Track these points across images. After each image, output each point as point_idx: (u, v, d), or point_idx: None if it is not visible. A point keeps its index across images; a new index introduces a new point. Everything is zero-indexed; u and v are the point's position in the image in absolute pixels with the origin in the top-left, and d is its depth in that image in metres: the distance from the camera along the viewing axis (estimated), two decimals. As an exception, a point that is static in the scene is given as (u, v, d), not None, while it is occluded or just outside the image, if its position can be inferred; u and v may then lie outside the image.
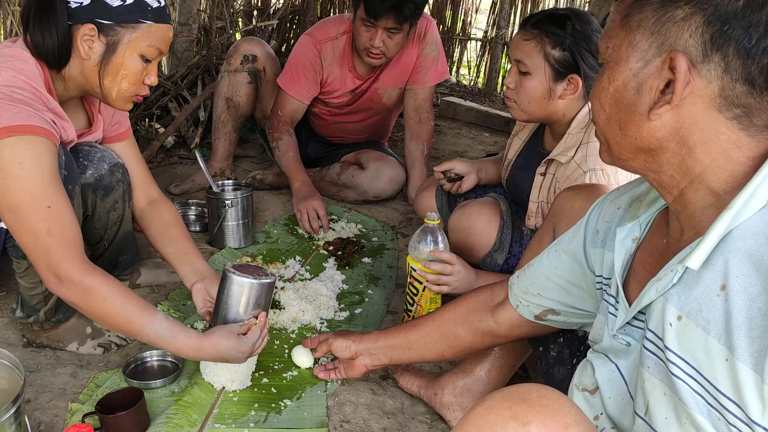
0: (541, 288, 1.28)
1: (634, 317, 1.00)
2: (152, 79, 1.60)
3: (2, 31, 2.88)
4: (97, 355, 1.77)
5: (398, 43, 2.61)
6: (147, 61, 1.57)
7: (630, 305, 1.01)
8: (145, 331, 1.46)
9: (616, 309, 1.06)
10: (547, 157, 1.87)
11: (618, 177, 1.72)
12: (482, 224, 1.99)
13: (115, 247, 1.96)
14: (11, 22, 2.89)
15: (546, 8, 5.50)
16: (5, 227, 1.48)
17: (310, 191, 2.65)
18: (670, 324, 0.85)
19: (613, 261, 1.07)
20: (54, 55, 1.49)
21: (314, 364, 1.78)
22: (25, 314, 1.72)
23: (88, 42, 1.50)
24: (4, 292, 1.99)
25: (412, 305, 1.95)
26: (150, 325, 1.46)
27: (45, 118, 1.42)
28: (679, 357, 0.84)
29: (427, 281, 1.89)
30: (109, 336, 1.81)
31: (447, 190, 2.30)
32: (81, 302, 1.44)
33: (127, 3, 1.50)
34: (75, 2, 1.47)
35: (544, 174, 1.90)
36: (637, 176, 1.09)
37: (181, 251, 1.80)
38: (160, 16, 1.56)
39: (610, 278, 1.11)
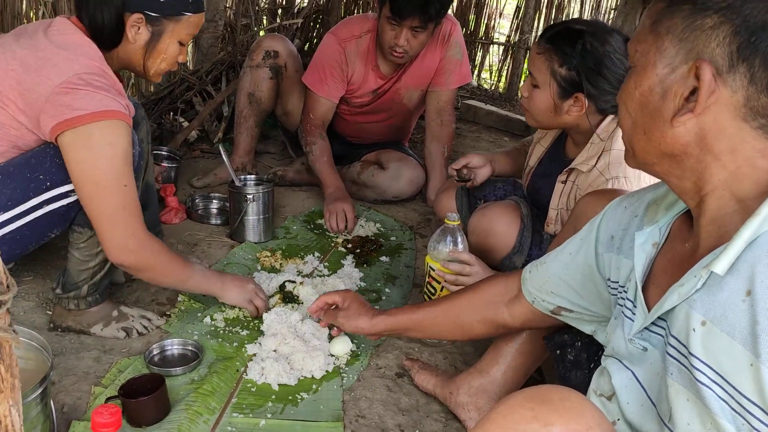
0: (554, 287, 1.30)
1: (652, 323, 1.01)
2: (183, 57, 1.79)
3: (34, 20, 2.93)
4: (120, 341, 1.80)
5: (422, 42, 2.63)
6: (182, 44, 1.75)
7: (649, 310, 1.02)
8: (191, 282, 1.79)
9: (634, 313, 1.06)
10: (570, 166, 1.88)
11: (642, 185, 1.72)
12: (502, 227, 2.00)
13: (141, 198, 1.99)
14: (43, 13, 2.94)
15: (571, 14, 5.49)
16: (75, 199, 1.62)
17: (343, 195, 2.67)
18: (694, 330, 0.85)
19: (632, 267, 1.08)
20: (109, 37, 1.65)
21: (349, 351, 1.82)
22: (64, 291, 1.77)
23: (135, 29, 1.65)
24: (30, 277, 2.03)
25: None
26: (192, 275, 1.78)
27: (121, 102, 1.56)
28: (704, 363, 0.84)
29: (445, 281, 1.90)
30: (132, 321, 1.85)
31: (469, 189, 2.32)
32: (149, 266, 1.67)
33: None
34: None
35: (564, 182, 1.91)
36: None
37: None
38: (198, 6, 1.73)
39: (625, 286, 1.11)
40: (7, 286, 0.88)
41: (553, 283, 1.30)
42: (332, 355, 1.81)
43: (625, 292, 1.11)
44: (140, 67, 1.74)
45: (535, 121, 1.91)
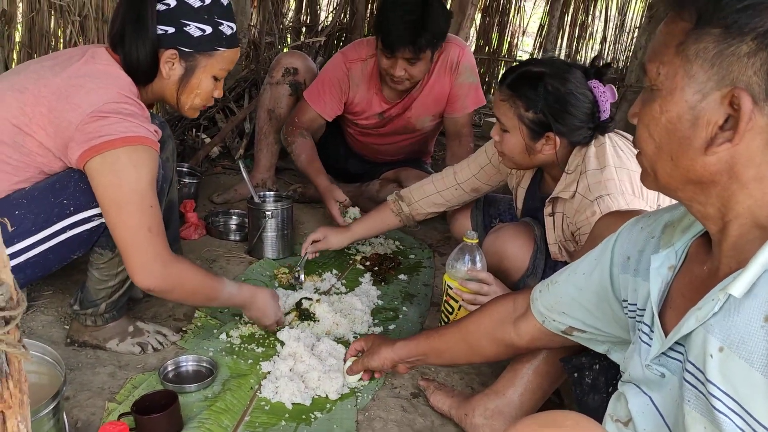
0: (566, 307, 1.27)
1: (670, 348, 0.98)
2: (218, 93, 1.80)
3: (62, 41, 2.98)
4: (135, 357, 1.81)
5: (422, 69, 2.60)
6: (217, 79, 1.76)
7: (666, 335, 0.99)
8: (222, 296, 1.75)
9: (651, 338, 1.03)
10: (551, 196, 1.87)
11: (628, 198, 1.70)
12: (515, 249, 1.98)
13: (163, 215, 2.00)
14: (71, 31, 2.99)
15: (594, 33, 5.47)
16: (104, 222, 1.61)
17: (330, 187, 2.65)
18: (711, 356, 0.83)
19: (649, 290, 1.05)
20: (144, 73, 1.67)
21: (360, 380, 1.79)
22: (82, 307, 1.78)
23: (169, 65, 1.68)
24: (50, 291, 2.05)
25: (447, 323, 1.94)
26: (223, 290, 1.74)
27: (149, 129, 1.57)
28: (721, 391, 0.81)
29: (463, 300, 1.88)
30: (148, 336, 1.85)
31: (484, 207, 2.31)
32: (175, 287, 1.62)
33: (206, 33, 1.68)
34: (161, 29, 1.65)
35: (552, 214, 1.90)
36: (672, 202, 1.07)
37: None
38: (232, 42, 1.74)
39: (644, 308, 1.09)
40: (17, 302, 0.88)
41: (566, 304, 1.27)
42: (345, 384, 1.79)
43: (642, 315, 1.08)
44: (174, 102, 1.77)
45: (512, 163, 1.91)
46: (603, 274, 1.19)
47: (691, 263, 1.01)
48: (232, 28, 1.73)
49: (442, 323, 1.96)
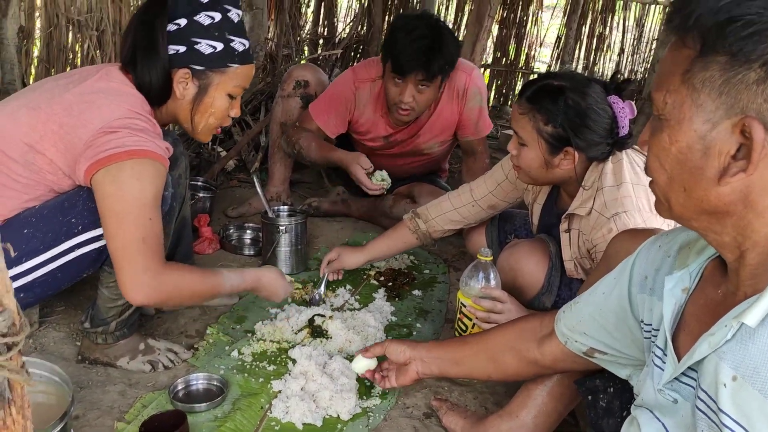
0: (587, 328, 1.25)
1: (683, 373, 0.95)
2: (235, 112, 1.79)
3: (79, 55, 3.01)
4: (145, 375, 1.80)
5: (428, 98, 2.56)
6: (232, 98, 1.74)
7: (679, 359, 0.96)
8: (224, 290, 1.72)
9: (664, 362, 1.01)
10: (567, 212, 1.84)
11: (645, 215, 1.67)
12: (530, 266, 1.94)
13: (175, 233, 2.01)
14: (88, 46, 3.02)
15: (612, 44, 5.43)
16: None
17: (353, 154, 2.63)
18: (725, 385, 0.81)
19: (662, 312, 1.03)
20: (157, 94, 1.67)
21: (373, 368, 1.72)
22: (93, 325, 1.78)
23: (182, 84, 1.68)
24: (62, 307, 2.05)
25: (460, 342, 1.91)
26: (224, 283, 1.71)
27: (160, 144, 1.57)
28: (734, 421, 0.79)
29: (477, 318, 1.85)
30: (158, 354, 1.85)
31: (499, 222, 2.28)
32: (170, 296, 1.59)
33: (217, 50, 1.67)
34: (173, 49, 1.65)
35: (568, 231, 1.87)
36: None
37: None
38: (245, 58, 1.72)
39: (658, 329, 1.06)
40: (20, 328, 0.87)
41: (586, 324, 1.25)
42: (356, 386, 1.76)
43: (656, 337, 1.06)
44: (188, 123, 1.76)
45: (528, 178, 1.88)
46: (622, 294, 1.17)
47: (706, 285, 0.99)
48: (244, 45, 1.72)
49: (456, 342, 1.92)
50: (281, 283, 1.90)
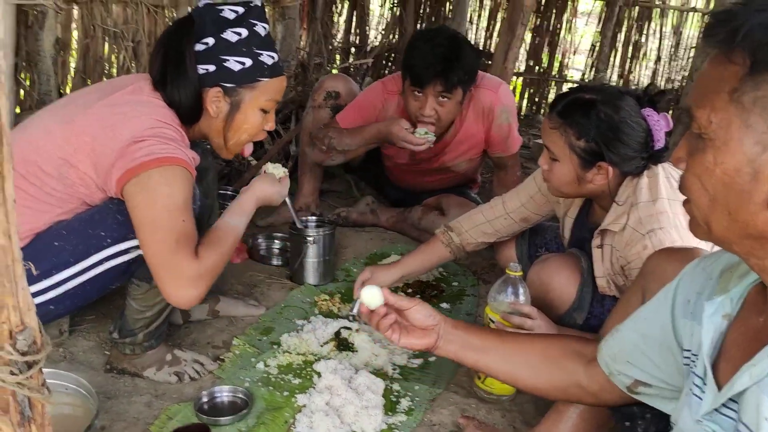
0: (630, 356, 1.18)
1: (723, 404, 0.90)
2: (270, 125, 1.79)
3: (115, 66, 3.06)
4: (172, 386, 1.80)
5: (450, 110, 2.51)
6: (266, 112, 1.75)
7: (720, 389, 0.92)
8: (237, 233, 1.71)
9: (703, 392, 0.96)
10: (600, 228, 1.79)
11: (682, 232, 1.61)
12: (561, 281, 1.90)
13: None
14: (124, 57, 3.07)
15: (648, 53, 5.32)
16: (142, 254, 1.61)
17: (389, 119, 2.57)
18: (767, 419, 0.76)
19: (701, 337, 0.98)
20: (189, 113, 1.68)
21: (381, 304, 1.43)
22: (121, 336, 1.79)
23: (216, 103, 1.69)
24: (92, 316, 2.07)
25: (488, 358, 1.88)
26: (232, 230, 1.70)
27: (187, 153, 1.59)
28: None
29: (505, 334, 1.81)
30: (185, 365, 1.85)
31: (530, 236, 2.24)
32: (212, 277, 1.59)
33: (246, 66, 1.68)
34: (202, 69, 1.66)
35: (600, 246, 1.82)
36: None
37: None
38: (275, 71, 1.73)
39: (697, 355, 1.01)
40: (41, 346, 0.87)
41: (629, 353, 1.18)
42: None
43: (695, 364, 1.01)
44: (220, 139, 1.76)
45: (560, 192, 1.84)
46: (665, 319, 1.11)
47: (748, 312, 0.94)
48: (273, 57, 1.73)
49: (484, 358, 1.88)
50: (274, 189, 1.86)
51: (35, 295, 1.62)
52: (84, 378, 1.74)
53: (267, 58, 1.71)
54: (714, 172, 0.84)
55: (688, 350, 1.05)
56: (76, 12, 2.82)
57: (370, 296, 1.40)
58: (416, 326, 1.41)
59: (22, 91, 2.64)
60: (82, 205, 1.65)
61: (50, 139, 1.60)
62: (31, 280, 1.61)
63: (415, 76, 2.43)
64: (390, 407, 1.78)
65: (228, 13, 1.69)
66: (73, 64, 2.93)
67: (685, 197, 0.93)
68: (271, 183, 1.85)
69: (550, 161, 1.80)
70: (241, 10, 1.69)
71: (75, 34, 2.88)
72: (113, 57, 3.07)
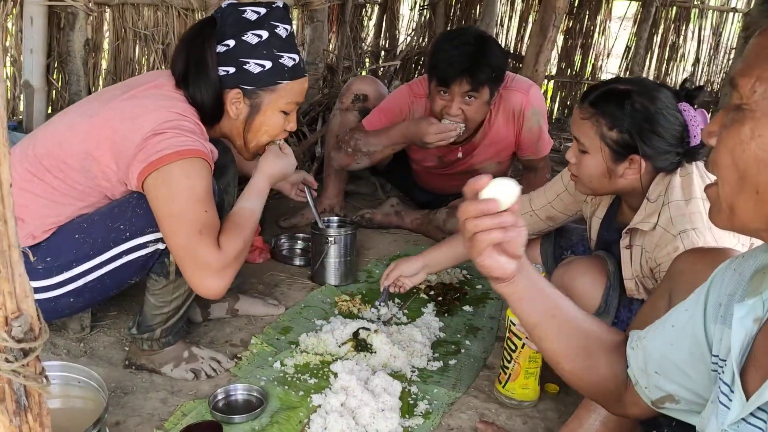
0: (658, 367, 1.09)
1: (751, 413, 0.85)
2: (292, 126, 1.79)
3: (146, 68, 3.10)
4: (188, 383, 1.80)
5: (477, 110, 2.46)
6: (287, 113, 1.74)
7: (748, 398, 0.86)
8: (255, 216, 1.71)
9: (730, 400, 0.90)
10: (628, 227, 1.72)
11: (716, 234, 1.54)
12: (586, 285, 1.84)
13: None
14: (154, 59, 3.10)
15: (686, 54, 5.20)
16: (159, 249, 1.65)
17: (415, 119, 2.54)
18: None
19: (730, 342, 0.92)
20: (210, 113, 1.69)
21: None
22: (139, 331, 1.79)
23: (235, 104, 1.70)
24: (114, 312, 2.09)
25: (509, 362, 1.83)
26: (250, 214, 1.70)
27: (206, 145, 1.60)
28: None
29: (526, 338, 1.76)
30: (202, 363, 1.85)
31: (555, 238, 2.18)
32: (237, 264, 1.61)
33: (266, 68, 1.67)
34: (223, 71, 1.66)
35: (629, 247, 1.74)
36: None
37: None
38: (295, 72, 1.72)
39: (725, 360, 0.95)
40: (39, 333, 0.86)
41: (657, 362, 1.09)
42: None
43: (723, 371, 0.95)
44: (240, 141, 1.77)
45: (587, 188, 1.77)
46: (697, 326, 1.03)
47: None
48: (294, 60, 1.72)
49: (504, 361, 1.84)
50: (282, 161, 1.81)
51: (56, 287, 1.64)
52: (102, 373, 1.75)
53: (288, 60, 1.70)
54: (749, 146, 0.79)
55: (716, 355, 0.99)
56: (108, 14, 2.86)
57: (507, 189, 0.97)
58: (508, 250, 1.09)
59: (54, 92, 2.69)
60: (104, 199, 1.67)
61: (74, 133, 1.62)
62: (52, 272, 1.63)
63: (440, 75, 2.40)
64: (407, 410, 1.75)
65: (250, 14, 1.68)
66: (104, 66, 2.98)
67: (708, 182, 0.88)
68: (276, 156, 1.81)
69: (578, 154, 1.73)
70: (263, 11, 1.69)
71: (107, 36, 2.93)
72: (143, 59, 3.11)
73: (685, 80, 1.83)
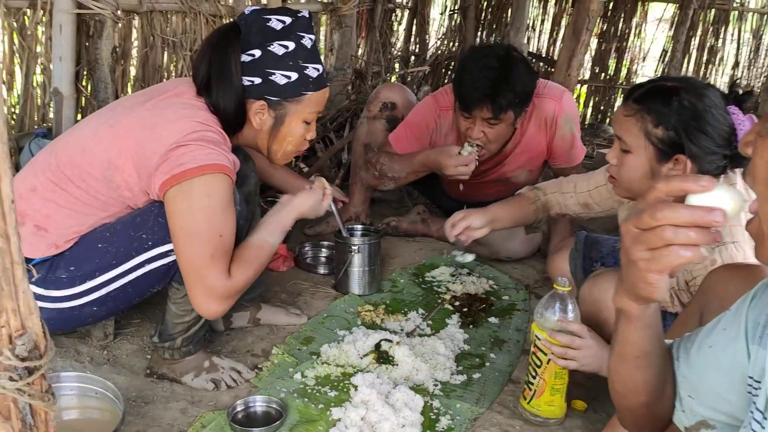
0: (693, 390, 1.02)
1: None
2: (311, 135, 1.79)
3: (174, 75, 3.12)
4: (208, 393, 1.79)
5: (501, 134, 2.42)
6: (308, 123, 1.75)
7: None
8: (272, 251, 1.73)
9: (763, 427, 0.85)
10: None
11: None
12: None
13: None
14: (182, 66, 3.12)
15: (726, 57, 5.06)
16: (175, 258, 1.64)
17: (437, 149, 2.52)
18: None
19: (765, 364, 0.86)
20: (232, 122, 1.68)
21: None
22: (161, 340, 1.79)
23: (259, 115, 1.69)
24: (138, 320, 2.09)
25: (534, 377, 1.78)
26: (269, 249, 1.71)
27: (229, 158, 1.57)
28: None
29: (552, 353, 1.71)
30: (222, 373, 1.83)
31: (585, 251, 2.11)
32: (243, 289, 1.63)
33: (292, 80, 1.67)
34: (248, 80, 1.65)
35: None
36: None
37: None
38: (319, 83, 1.72)
39: (760, 382, 0.89)
40: (44, 350, 0.85)
41: (692, 386, 1.02)
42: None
43: (757, 396, 0.89)
44: (265, 151, 1.78)
45: (628, 191, 1.70)
46: (738, 348, 0.96)
47: None
48: (318, 70, 1.71)
49: (530, 376, 1.79)
50: (316, 207, 1.85)
51: (79, 296, 1.65)
52: (124, 382, 1.76)
53: (312, 71, 1.69)
54: None
55: (751, 377, 0.93)
56: (136, 21, 2.88)
57: (733, 200, 0.80)
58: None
59: (83, 99, 2.72)
60: (126, 208, 1.67)
61: (96, 141, 1.63)
62: (75, 281, 1.64)
63: (462, 100, 2.37)
64: (428, 425, 1.71)
65: (275, 23, 1.67)
66: (132, 73, 3.00)
67: (748, 201, 0.81)
68: (315, 201, 1.85)
69: (620, 154, 1.67)
70: (288, 20, 1.67)
71: (135, 43, 2.95)
72: (171, 66, 3.13)
73: (733, 83, 1.76)
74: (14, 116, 2.59)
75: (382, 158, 2.67)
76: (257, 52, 1.65)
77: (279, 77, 1.65)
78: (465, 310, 2.33)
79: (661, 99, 1.58)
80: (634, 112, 1.62)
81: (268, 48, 1.65)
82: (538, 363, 1.77)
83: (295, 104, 1.69)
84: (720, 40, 5.03)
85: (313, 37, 1.72)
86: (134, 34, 2.93)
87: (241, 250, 1.64)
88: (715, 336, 1.01)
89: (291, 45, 1.66)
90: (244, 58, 1.65)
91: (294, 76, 1.66)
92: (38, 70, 2.60)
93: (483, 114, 2.34)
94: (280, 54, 1.65)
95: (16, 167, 2.47)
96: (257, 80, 1.66)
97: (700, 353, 1.02)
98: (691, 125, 1.55)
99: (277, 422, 1.64)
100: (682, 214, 0.78)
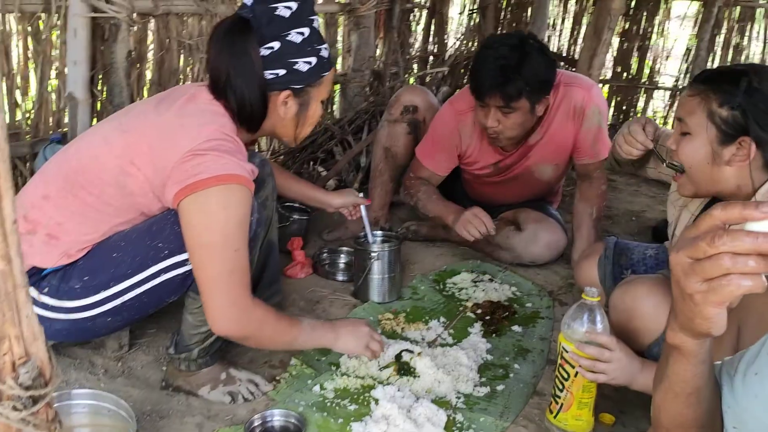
0: (738, 421, 0.95)
1: None
2: (320, 112, 1.81)
3: (190, 78, 3.08)
4: (225, 406, 1.74)
5: (517, 122, 2.37)
6: (323, 102, 1.78)
7: None
8: (299, 342, 1.72)
9: None
10: None
11: None
12: (649, 307, 1.70)
13: (261, 258, 1.94)
14: (198, 68, 3.09)
15: (751, 56, 4.93)
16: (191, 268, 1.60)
17: (452, 210, 2.55)
18: None
19: None
20: (251, 122, 1.66)
21: None
22: (177, 351, 1.75)
23: (285, 105, 1.68)
24: (153, 330, 2.05)
25: (561, 391, 1.71)
26: (300, 336, 1.70)
27: (246, 167, 1.54)
28: None
29: (580, 366, 1.64)
30: (239, 385, 1.79)
31: (614, 257, 2.04)
32: (252, 334, 1.62)
33: (312, 65, 1.66)
34: (271, 74, 1.62)
35: None
36: None
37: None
38: (331, 62, 1.74)
39: None
40: (49, 378, 0.80)
41: (735, 416, 0.95)
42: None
43: None
44: (290, 137, 1.79)
45: (692, 183, 1.62)
46: None
47: None
48: (327, 49, 1.72)
49: (556, 389, 1.72)
50: (357, 343, 1.85)
51: (93, 306, 1.61)
52: (139, 395, 1.73)
53: (324, 51, 1.70)
54: None
55: None
56: (152, 24, 2.85)
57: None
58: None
59: (98, 103, 2.70)
60: (140, 215, 1.63)
61: (109, 148, 1.60)
62: (89, 291, 1.60)
63: (474, 88, 2.35)
64: (451, 441, 1.65)
65: (283, 10, 1.62)
66: (149, 76, 2.97)
67: None
68: (361, 347, 1.86)
69: (679, 138, 1.61)
70: (295, 5, 1.63)
71: (151, 47, 2.92)
72: (188, 69, 3.10)
73: None
74: (29, 121, 2.56)
75: (420, 193, 2.66)
76: (276, 44, 1.61)
77: (302, 65, 1.64)
78: (487, 318, 2.27)
79: (729, 79, 1.53)
80: (699, 92, 1.56)
81: (287, 38, 1.62)
82: (566, 376, 1.70)
83: (316, 87, 1.71)
84: (745, 38, 4.90)
85: (317, 17, 1.72)
86: (149, 38, 2.90)
87: (276, 312, 1.67)
88: (761, 362, 0.93)
89: (306, 31, 1.64)
90: (264, 51, 1.61)
91: (314, 60, 1.66)
92: (53, 74, 2.58)
93: (495, 102, 2.32)
94: (299, 42, 1.63)
95: (31, 173, 2.45)
96: (281, 72, 1.63)
97: (745, 381, 0.94)
98: (758, 107, 1.49)
99: (294, 438, 1.60)
100: (745, 241, 0.71)
